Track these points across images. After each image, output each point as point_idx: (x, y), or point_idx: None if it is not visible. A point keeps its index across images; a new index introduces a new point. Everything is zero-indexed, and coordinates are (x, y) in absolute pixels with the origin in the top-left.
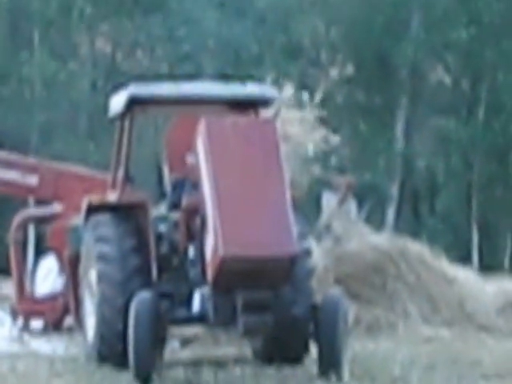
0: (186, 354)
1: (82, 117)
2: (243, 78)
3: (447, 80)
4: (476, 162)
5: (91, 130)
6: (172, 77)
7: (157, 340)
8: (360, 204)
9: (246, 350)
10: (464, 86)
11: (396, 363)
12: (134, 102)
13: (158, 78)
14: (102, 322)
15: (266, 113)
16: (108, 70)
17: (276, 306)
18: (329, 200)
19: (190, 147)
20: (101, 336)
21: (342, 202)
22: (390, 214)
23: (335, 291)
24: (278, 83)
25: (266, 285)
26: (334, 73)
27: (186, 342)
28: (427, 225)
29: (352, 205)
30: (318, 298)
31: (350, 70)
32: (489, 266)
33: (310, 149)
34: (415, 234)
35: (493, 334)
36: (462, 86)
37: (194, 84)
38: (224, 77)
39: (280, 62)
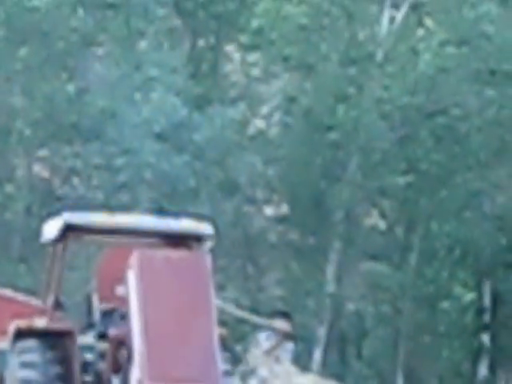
0: None
1: (15, 240)
2: (179, 212)
3: (381, 225)
4: (405, 309)
5: (23, 253)
6: (107, 206)
7: None
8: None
9: None
10: (398, 232)
11: None
12: (68, 230)
13: (94, 206)
14: None
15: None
16: (44, 194)
17: None
18: (262, 341)
19: (121, 278)
20: None
21: (275, 347)
22: (317, 355)
23: None
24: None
25: None
26: (268, 211)
27: None
28: (353, 368)
29: (288, 347)
30: None
31: (284, 209)
32: None
33: None
34: (341, 376)
35: None
36: (395, 231)
37: (129, 215)
38: (159, 209)
39: (215, 197)
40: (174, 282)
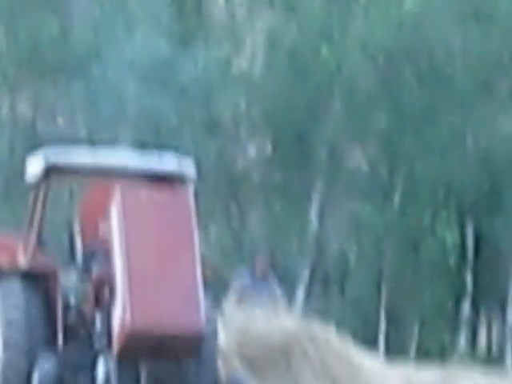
0: None
1: None
2: (161, 151)
3: (364, 165)
4: (388, 249)
5: (7, 193)
6: (90, 142)
7: None
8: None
9: None
10: (381, 173)
11: None
12: (50, 170)
13: (76, 142)
14: None
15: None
16: (27, 134)
17: (179, 382)
18: (242, 277)
19: (103, 217)
20: None
21: (261, 277)
22: (300, 295)
23: (240, 372)
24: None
25: (172, 360)
26: (252, 151)
27: None
28: (336, 308)
29: (273, 281)
30: (223, 379)
31: (268, 149)
32: (395, 353)
33: None
34: (324, 316)
35: None
36: (379, 172)
37: (111, 153)
38: (142, 148)
39: (198, 136)
40: (157, 221)
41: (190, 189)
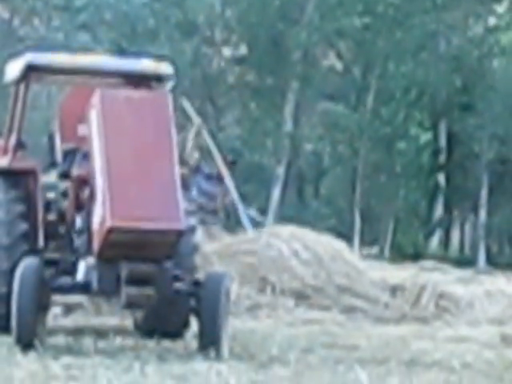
0: (68, 321)
1: None
2: (138, 53)
3: (338, 66)
4: (362, 149)
5: None
6: (68, 47)
7: (40, 307)
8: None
9: (128, 321)
10: (355, 73)
11: (274, 343)
12: (30, 70)
13: (54, 47)
14: None
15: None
16: (4, 35)
17: (159, 280)
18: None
19: (82, 118)
20: None
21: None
22: (276, 194)
23: (219, 269)
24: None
25: (151, 258)
26: (227, 52)
27: (68, 310)
28: (311, 207)
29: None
30: (202, 276)
31: (243, 50)
32: (369, 252)
33: None
34: (299, 215)
35: (369, 318)
36: (352, 73)
37: (91, 56)
38: (119, 50)
39: (174, 38)
40: (135, 122)
41: (168, 89)
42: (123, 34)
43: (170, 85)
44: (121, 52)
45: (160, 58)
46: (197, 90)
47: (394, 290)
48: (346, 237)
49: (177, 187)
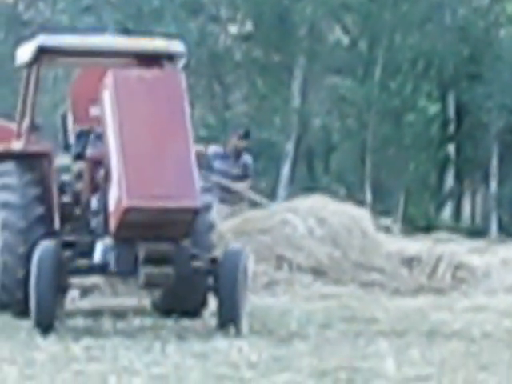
0: (85, 303)
1: None
2: (145, 32)
3: (345, 40)
4: (371, 122)
5: None
6: (74, 30)
7: (58, 289)
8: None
9: (145, 301)
10: (361, 47)
11: (293, 319)
12: (42, 52)
13: (60, 29)
14: (3, 269)
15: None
16: (9, 19)
17: (177, 259)
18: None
19: (94, 99)
20: (2, 284)
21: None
22: (285, 170)
23: (236, 245)
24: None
25: (168, 237)
26: (233, 29)
27: (85, 291)
28: (321, 182)
29: (247, 158)
30: (219, 253)
31: (248, 27)
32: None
33: None
34: (309, 190)
35: (386, 291)
36: (359, 46)
37: (103, 37)
38: (125, 31)
39: (180, 17)
40: (149, 101)
41: (180, 67)
42: (128, 14)
43: (181, 63)
44: (127, 33)
45: (168, 37)
46: (203, 68)
47: (410, 261)
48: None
49: (192, 165)
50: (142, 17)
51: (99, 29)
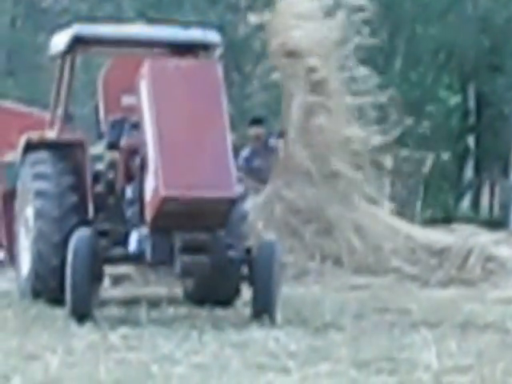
0: (118, 293)
1: (1, 53)
2: (164, 21)
3: (365, 30)
4: (390, 114)
5: (10, 67)
6: (94, 18)
7: (94, 278)
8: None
9: (177, 290)
10: (382, 37)
11: (326, 309)
12: (77, 41)
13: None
14: (37, 258)
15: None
16: (28, 7)
17: (213, 249)
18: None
19: (126, 88)
20: (36, 272)
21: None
22: None
23: (271, 236)
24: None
25: (204, 227)
26: (252, 19)
27: (116, 280)
28: None
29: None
30: (252, 243)
31: (267, 16)
32: (400, 215)
33: None
34: None
35: (416, 282)
36: (379, 36)
37: (137, 26)
38: (147, 19)
39: (199, 6)
40: (186, 91)
41: (217, 56)
42: (148, 3)
43: (217, 53)
44: (150, 21)
45: (205, 26)
46: (222, 58)
47: (440, 253)
48: (377, 202)
49: (229, 155)
50: (162, 5)
51: (118, 17)
